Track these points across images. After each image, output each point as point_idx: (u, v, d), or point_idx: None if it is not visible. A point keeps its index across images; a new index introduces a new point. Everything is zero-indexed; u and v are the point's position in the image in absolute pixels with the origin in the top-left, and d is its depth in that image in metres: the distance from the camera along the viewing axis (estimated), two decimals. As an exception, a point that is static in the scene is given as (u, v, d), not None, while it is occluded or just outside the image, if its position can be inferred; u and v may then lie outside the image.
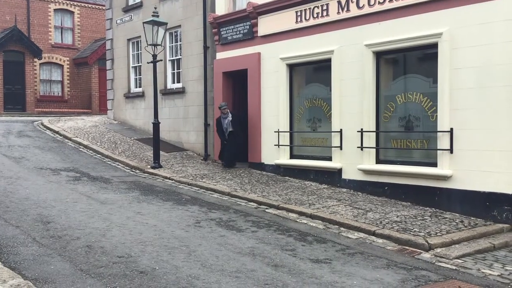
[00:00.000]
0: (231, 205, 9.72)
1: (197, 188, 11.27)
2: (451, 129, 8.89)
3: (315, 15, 11.45)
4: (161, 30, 13.47)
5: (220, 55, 14.41)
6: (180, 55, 16.16)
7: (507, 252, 7.21)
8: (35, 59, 26.51)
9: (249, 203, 9.93)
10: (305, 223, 8.48)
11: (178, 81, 16.38)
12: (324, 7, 11.21)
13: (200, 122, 15.19)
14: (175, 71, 16.57)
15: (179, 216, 8.61)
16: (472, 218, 8.53)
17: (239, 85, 14.24)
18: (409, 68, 10.09)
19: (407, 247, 7.20)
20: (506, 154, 8.20)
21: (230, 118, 13.35)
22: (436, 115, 9.20)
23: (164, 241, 7.06)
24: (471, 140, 8.64)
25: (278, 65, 12.41)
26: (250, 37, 13.31)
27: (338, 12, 10.92)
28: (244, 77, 13.57)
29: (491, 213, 8.37)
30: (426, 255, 6.88)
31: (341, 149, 10.90)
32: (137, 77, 18.61)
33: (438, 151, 9.14)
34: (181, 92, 15.99)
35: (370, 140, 10.30)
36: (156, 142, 13.48)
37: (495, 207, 8.32)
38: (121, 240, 6.99)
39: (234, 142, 13.48)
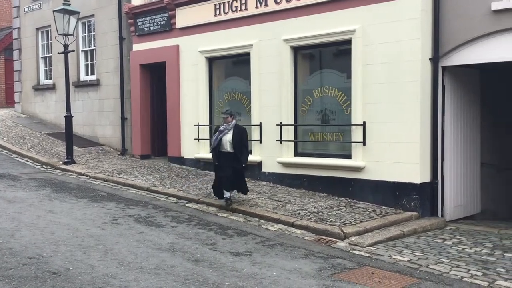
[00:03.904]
0: (150, 201, 9.51)
1: (114, 184, 10.91)
2: (364, 122, 9.27)
3: (233, 9, 11.45)
4: (73, 19, 12.85)
5: (137, 47, 14.02)
6: (94, 46, 15.52)
7: (415, 238, 7.65)
8: None
9: (169, 198, 9.78)
10: (226, 217, 8.49)
11: (93, 73, 15.74)
12: (243, 1, 11.24)
13: (116, 115, 14.70)
14: (89, 62, 15.90)
15: (94, 214, 8.29)
16: (384, 207, 8.96)
17: (157, 77, 13.94)
18: (325, 63, 10.39)
19: (324, 237, 7.43)
20: (413, 146, 8.69)
21: (231, 134, 8.76)
22: (350, 109, 9.55)
23: (78, 240, 6.77)
24: (382, 132, 9.05)
25: (197, 58, 12.29)
26: (168, 29, 13.06)
27: (256, 7, 10.99)
28: (163, 70, 13.30)
29: (401, 202, 8.84)
30: (341, 244, 7.14)
31: (260, 142, 11.02)
32: (48, 68, 17.66)
33: (352, 143, 9.50)
34: (95, 84, 15.38)
35: (289, 133, 10.49)
36: (68, 136, 12.87)
37: (404, 196, 8.80)
38: (32, 240, 6.61)
39: (232, 168, 8.71)
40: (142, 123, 13.96)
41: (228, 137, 8.74)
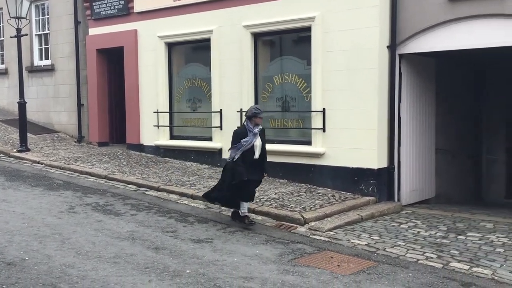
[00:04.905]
0: (108, 189, 9.35)
1: (70, 172, 10.65)
2: (324, 109, 9.36)
3: (193, -6, 11.29)
4: (26, 2, 12.38)
5: (93, 31, 13.64)
6: (49, 30, 15.01)
7: (373, 223, 7.83)
8: None
9: (128, 185, 9.64)
10: (186, 204, 8.45)
11: (47, 58, 15.24)
12: (203, -14, 11.09)
13: (72, 102, 14.30)
14: (43, 46, 15.38)
15: (50, 203, 8.09)
16: (343, 192, 9.11)
17: (115, 63, 13.61)
18: (285, 50, 10.40)
19: (284, 223, 7.50)
20: (371, 132, 8.84)
21: (259, 137, 7.34)
22: (310, 96, 9.62)
23: (34, 229, 6.59)
24: (341, 119, 9.17)
25: (156, 43, 12.07)
26: (126, 13, 12.76)
27: (217, -8, 10.87)
28: (121, 55, 13.00)
29: (359, 187, 9.01)
30: (302, 229, 7.23)
31: (221, 129, 10.97)
32: (-1, 52, 17.02)
33: (312, 130, 9.58)
34: (50, 69, 14.90)
35: (249, 120, 10.48)
36: (22, 123, 12.47)
37: (362, 182, 8.97)
38: (-16, 231, 6.39)
39: (257, 177, 7.47)
40: (100, 109, 13.65)
41: (259, 142, 7.30)
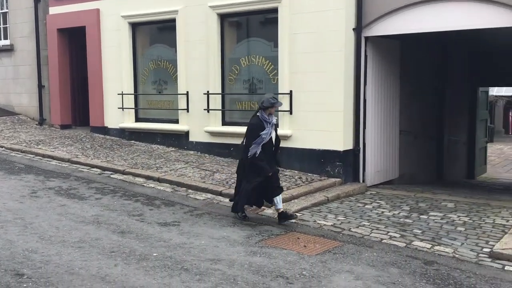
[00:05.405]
0: (71, 172, 9.15)
1: (32, 156, 10.37)
2: (291, 91, 9.36)
3: (158, -28, 11.02)
4: (-19, -22, 11.86)
5: (53, 10, 13.19)
6: (7, 9, 14.45)
7: (338, 204, 7.94)
8: None
9: (92, 169, 9.45)
10: (153, 187, 8.36)
11: (6, 38, 14.70)
12: (168, -35, 10.84)
13: (33, 83, 13.88)
14: (2, 26, 14.81)
15: (11, 187, 7.87)
16: (309, 174, 9.18)
17: (77, 43, 13.23)
18: (252, 31, 10.31)
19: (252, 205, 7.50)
20: (337, 115, 8.91)
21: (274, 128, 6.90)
22: (277, 78, 9.60)
23: (-6, 215, 6.41)
24: (308, 101, 9.20)
25: (120, 23, 11.78)
26: (88, -9, 12.39)
27: (182, -29, 10.65)
28: (83, 35, 12.64)
29: (325, 169, 9.10)
30: (269, 211, 7.27)
31: (188, 111, 10.86)
32: (-46, 31, 16.28)
33: (279, 112, 9.56)
34: (9, 49, 14.40)
35: (216, 102, 10.41)
36: (-20, 105, 12.05)
37: (329, 163, 9.07)
38: None
39: (275, 169, 6.87)
40: (61, 91, 13.28)
41: (274, 133, 6.83)
